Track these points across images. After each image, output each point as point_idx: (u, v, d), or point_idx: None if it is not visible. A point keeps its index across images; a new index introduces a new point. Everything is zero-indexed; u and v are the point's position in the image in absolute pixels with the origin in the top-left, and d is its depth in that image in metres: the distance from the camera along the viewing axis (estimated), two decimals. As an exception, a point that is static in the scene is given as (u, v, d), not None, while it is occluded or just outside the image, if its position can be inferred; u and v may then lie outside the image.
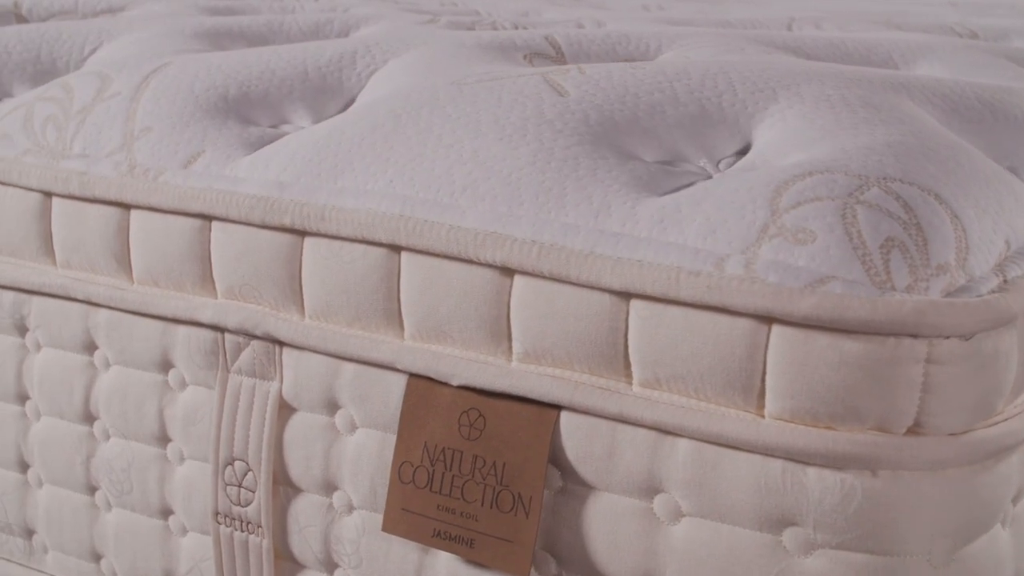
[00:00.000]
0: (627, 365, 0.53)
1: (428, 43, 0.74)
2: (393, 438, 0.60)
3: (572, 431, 0.55)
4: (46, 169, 0.70)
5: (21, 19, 0.96)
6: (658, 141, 0.58)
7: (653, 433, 0.53)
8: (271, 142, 0.67)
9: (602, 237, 0.53)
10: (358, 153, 0.61)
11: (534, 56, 0.74)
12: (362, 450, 0.61)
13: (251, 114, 0.69)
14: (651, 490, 0.53)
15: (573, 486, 0.56)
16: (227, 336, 0.65)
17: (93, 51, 0.84)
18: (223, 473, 0.66)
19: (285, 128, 0.69)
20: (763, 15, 1.00)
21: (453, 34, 0.76)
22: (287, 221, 0.61)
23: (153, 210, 0.67)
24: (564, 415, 0.55)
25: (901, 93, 0.62)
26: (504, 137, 0.58)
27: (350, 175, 0.60)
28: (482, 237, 0.55)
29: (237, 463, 0.65)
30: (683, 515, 0.53)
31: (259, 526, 0.65)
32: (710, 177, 0.56)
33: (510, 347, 0.57)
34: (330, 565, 0.64)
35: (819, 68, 0.64)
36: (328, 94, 0.71)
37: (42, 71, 0.83)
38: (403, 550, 0.61)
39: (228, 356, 0.65)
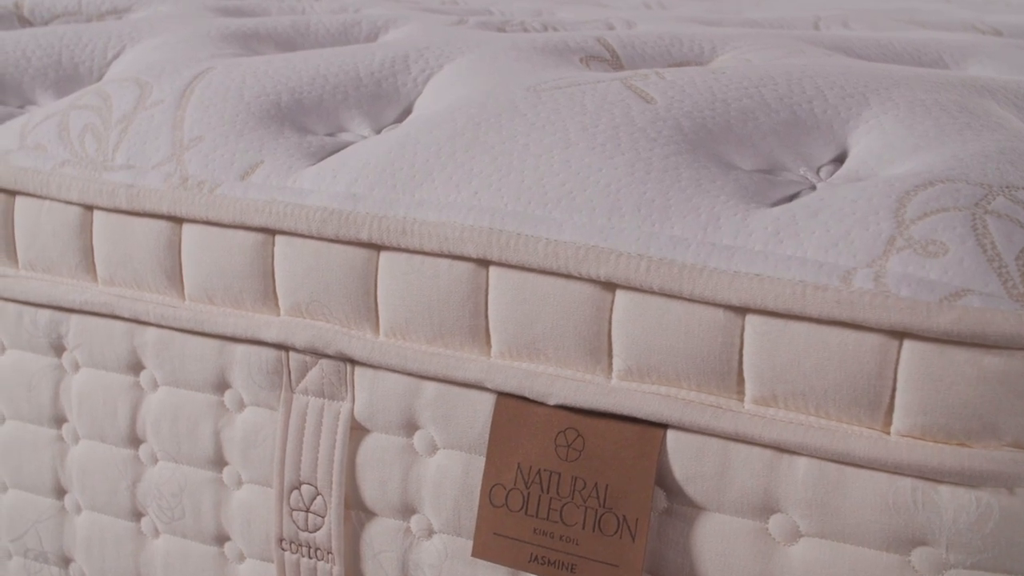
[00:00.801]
0: (740, 382, 0.52)
1: (482, 47, 0.71)
2: (479, 459, 0.58)
3: (680, 450, 0.53)
4: (88, 182, 0.67)
5: (24, 21, 0.92)
6: (754, 149, 0.57)
7: (769, 452, 0.51)
8: (334, 151, 0.64)
9: (714, 250, 0.51)
10: (437, 163, 0.59)
11: (590, 59, 0.72)
12: (444, 472, 0.59)
13: (307, 122, 0.67)
14: (766, 510, 0.52)
15: (679, 507, 0.54)
16: (292, 355, 0.62)
17: (116, 56, 0.80)
18: (288, 498, 0.63)
19: (344, 136, 0.66)
20: (787, 15, 0.99)
21: (506, 37, 0.74)
22: (364, 235, 0.59)
23: (209, 224, 0.64)
24: (670, 434, 0.53)
25: (985, 96, 0.61)
26: (596, 146, 0.56)
27: (429, 187, 0.58)
28: (584, 251, 0.53)
29: (304, 487, 0.63)
30: (801, 535, 0.51)
31: (329, 552, 0.63)
32: (813, 186, 0.54)
33: (610, 364, 0.55)
34: (407, 591, 0.62)
35: (901, 72, 0.62)
36: (384, 100, 0.68)
37: (64, 77, 0.79)
38: (490, 574, 0.59)
39: (293, 376, 0.63)
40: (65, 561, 0.74)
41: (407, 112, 0.68)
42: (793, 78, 0.61)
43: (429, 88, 0.69)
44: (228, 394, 0.65)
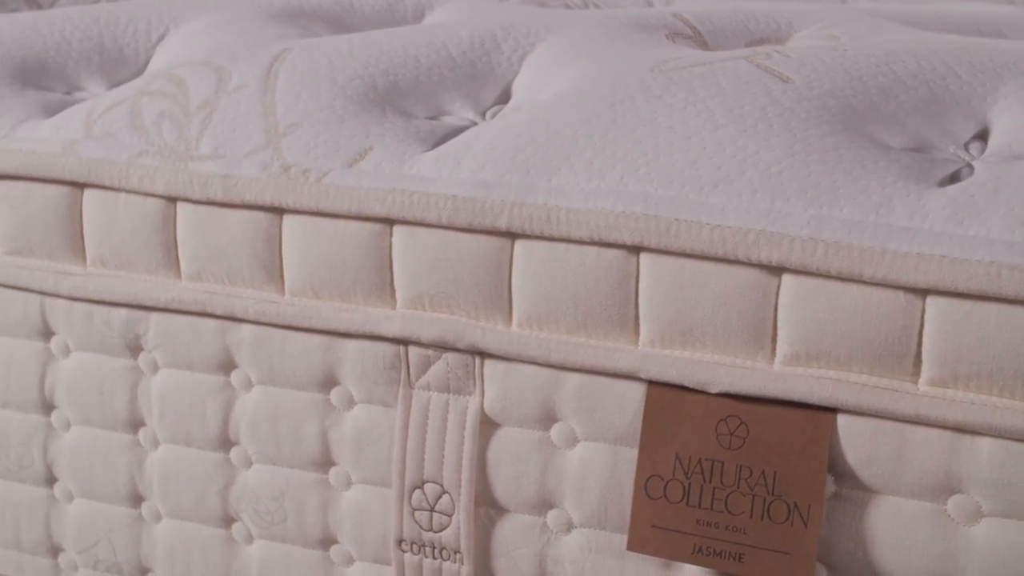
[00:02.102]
0: (916, 364, 0.51)
1: (567, 25, 0.69)
2: (627, 451, 0.57)
3: (852, 434, 0.53)
4: (174, 172, 0.63)
5: (33, 2, 0.87)
6: (900, 127, 0.56)
7: (948, 433, 0.51)
8: (444, 136, 0.61)
9: (892, 233, 0.50)
10: (574, 148, 0.57)
11: (675, 36, 0.71)
12: (588, 465, 0.57)
13: (406, 105, 0.64)
14: (946, 491, 0.52)
15: (850, 491, 0.53)
16: (412, 349, 0.60)
17: (161, 38, 0.76)
18: (410, 497, 0.61)
19: (447, 120, 0.64)
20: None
21: (586, 15, 0.72)
22: (501, 224, 0.56)
23: (317, 214, 0.60)
24: (840, 418, 0.53)
25: (1097, 71, 0.62)
26: (748, 128, 0.55)
27: (568, 172, 0.56)
28: (753, 236, 0.52)
29: (428, 486, 0.60)
30: (983, 515, 0.51)
31: (456, 552, 0.60)
32: (969, 165, 0.54)
33: (773, 350, 0.54)
34: (543, 588, 0.60)
35: (1011, 46, 0.62)
36: (480, 81, 0.66)
37: (110, 61, 0.74)
38: (639, 567, 0.57)
39: (412, 371, 0.60)
40: (142, 571, 0.70)
41: (505, 93, 0.66)
42: (919, 55, 0.60)
43: (527, 68, 0.66)
44: (335, 392, 0.62)
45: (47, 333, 0.69)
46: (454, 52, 0.67)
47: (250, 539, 0.66)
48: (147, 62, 0.75)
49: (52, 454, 0.70)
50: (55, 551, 0.72)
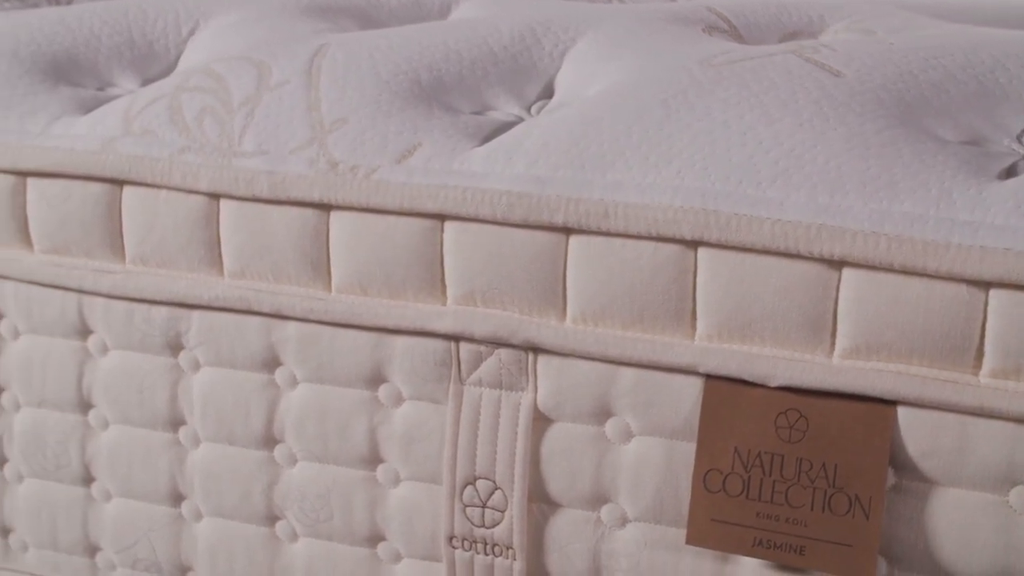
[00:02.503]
0: (978, 356, 0.52)
1: (606, 20, 0.69)
2: (683, 445, 0.57)
3: (913, 427, 0.53)
4: (218, 169, 0.63)
5: (52, -5, 0.86)
6: (953, 121, 0.56)
7: (1011, 424, 0.52)
8: (493, 131, 0.61)
9: (955, 226, 0.51)
10: (628, 144, 0.57)
11: (711, 29, 0.71)
12: (644, 460, 0.58)
13: (452, 100, 0.64)
14: (1008, 482, 0.52)
15: (910, 483, 0.54)
16: (463, 345, 0.60)
17: (191, 33, 0.75)
18: (461, 494, 0.61)
19: (493, 115, 0.64)
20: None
21: (622, 9, 0.72)
22: (558, 219, 0.56)
23: (367, 211, 0.60)
24: (900, 410, 0.53)
25: None
26: (804, 122, 0.55)
27: (623, 168, 0.56)
28: (815, 230, 0.52)
29: (480, 482, 0.60)
30: (1045, 506, 0.52)
31: (509, 548, 0.60)
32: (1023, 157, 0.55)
33: (832, 343, 0.54)
34: (596, 582, 0.60)
35: (1054, 40, 0.63)
36: (524, 76, 0.66)
37: (140, 56, 0.74)
38: (696, 561, 0.58)
39: (463, 367, 0.60)
40: (182, 570, 0.70)
41: (548, 88, 0.66)
42: (966, 48, 0.60)
43: (568, 63, 0.66)
44: (383, 389, 0.62)
45: (84, 332, 0.68)
46: (495, 47, 0.67)
47: (295, 537, 0.66)
48: (178, 57, 0.75)
49: (90, 453, 0.70)
50: (92, 551, 0.72)
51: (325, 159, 0.61)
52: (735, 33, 0.72)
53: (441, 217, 0.59)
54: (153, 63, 0.74)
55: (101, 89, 0.72)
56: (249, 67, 0.66)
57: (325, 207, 0.61)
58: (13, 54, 0.71)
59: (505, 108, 0.65)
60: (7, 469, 0.72)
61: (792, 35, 0.73)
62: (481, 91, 0.65)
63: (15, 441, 0.71)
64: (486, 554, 0.61)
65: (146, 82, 0.73)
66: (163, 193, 0.64)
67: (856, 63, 0.59)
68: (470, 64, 0.65)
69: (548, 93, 0.66)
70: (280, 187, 0.61)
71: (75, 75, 0.72)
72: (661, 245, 0.55)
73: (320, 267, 0.62)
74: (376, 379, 0.62)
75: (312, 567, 0.66)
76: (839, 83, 0.57)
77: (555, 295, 0.58)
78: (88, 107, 0.69)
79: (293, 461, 0.65)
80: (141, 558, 0.70)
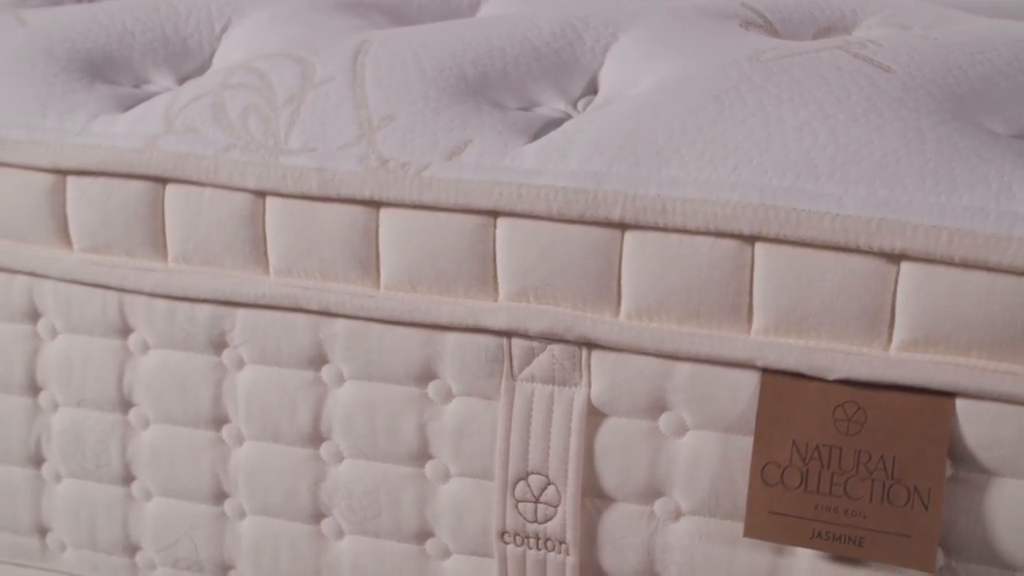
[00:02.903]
0: (1037, 348, 0.52)
1: (644, 16, 0.69)
2: (739, 439, 0.57)
3: (972, 418, 0.53)
4: (265, 167, 0.62)
5: (74, -8, 0.85)
6: (1003, 115, 0.57)
7: (1070, 415, 0.52)
8: (542, 127, 0.61)
9: (1016, 219, 0.51)
10: (683, 140, 0.57)
11: (748, 24, 0.71)
12: (699, 453, 0.58)
13: (499, 96, 0.64)
14: (1066, 473, 0.53)
15: (969, 474, 0.54)
16: (515, 341, 0.60)
17: (224, 29, 0.75)
18: (514, 489, 0.61)
19: (541, 111, 0.64)
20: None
21: (658, 4, 0.72)
22: (614, 215, 0.57)
23: (418, 208, 0.60)
24: (959, 402, 0.54)
25: None
26: (858, 117, 0.55)
27: (679, 164, 0.56)
28: (875, 224, 0.53)
29: (533, 477, 0.61)
30: (1103, 495, 0.53)
31: (562, 542, 0.61)
32: (1076, 151, 0.55)
33: (890, 336, 0.54)
34: (650, 575, 0.60)
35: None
36: (568, 71, 0.66)
37: (175, 53, 0.73)
38: (751, 554, 0.58)
39: (515, 363, 0.60)
40: (224, 569, 0.69)
41: (592, 83, 0.66)
42: (1009, 42, 0.61)
43: (611, 59, 0.66)
44: (433, 385, 0.62)
45: (125, 330, 0.68)
46: (537, 43, 0.67)
47: (341, 534, 0.66)
48: (212, 54, 0.74)
49: (130, 452, 0.69)
50: (132, 550, 0.71)
51: (375, 156, 0.61)
52: (770, 28, 0.72)
53: (494, 214, 0.59)
54: (187, 60, 0.74)
55: (137, 86, 0.72)
56: (292, 64, 0.66)
57: (375, 204, 0.61)
58: (48, 52, 0.71)
59: (551, 104, 0.65)
60: (45, 469, 0.72)
61: (826, 30, 0.73)
62: (526, 87, 0.65)
63: (53, 441, 0.71)
64: (538, 549, 0.61)
65: (182, 79, 0.72)
66: (207, 191, 0.64)
67: (904, 59, 0.59)
68: (514, 60, 0.66)
69: (592, 89, 0.66)
70: (330, 184, 0.61)
71: (111, 73, 0.72)
72: (718, 240, 0.56)
73: (369, 264, 0.62)
74: (426, 376, 0.62)
75: (359, 564, 0.66)
76: (890, 79, 0.58)
77: (609, 290, 0.58)
78: (126, 105, 0.69)
79: (340, 458, 0.65)
80: (182, 557, 0.70)
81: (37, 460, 0.72)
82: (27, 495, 0.72)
